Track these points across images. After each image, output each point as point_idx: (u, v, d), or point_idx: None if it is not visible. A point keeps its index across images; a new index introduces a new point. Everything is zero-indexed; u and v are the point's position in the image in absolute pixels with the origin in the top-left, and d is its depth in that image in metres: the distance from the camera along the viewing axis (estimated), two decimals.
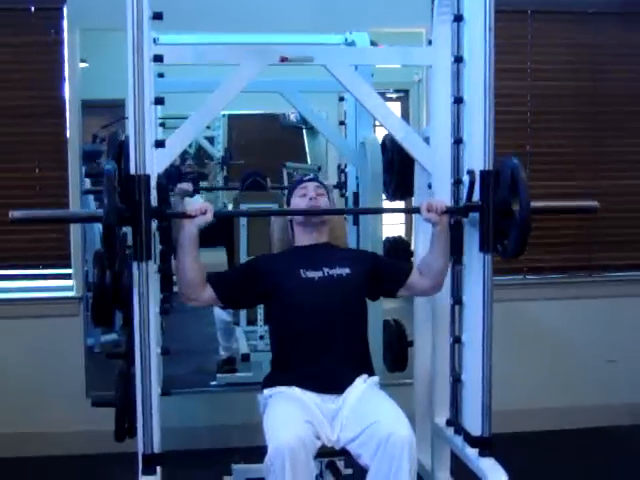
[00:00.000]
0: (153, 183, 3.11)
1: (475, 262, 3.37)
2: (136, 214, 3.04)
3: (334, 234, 3.90)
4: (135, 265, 3.09)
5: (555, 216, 5.19)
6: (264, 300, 3.71)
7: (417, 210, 3.48)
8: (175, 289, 4.56)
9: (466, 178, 3.37)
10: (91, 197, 5.17)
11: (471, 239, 3.41)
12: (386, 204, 4.70)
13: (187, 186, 5.23)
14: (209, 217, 3.31)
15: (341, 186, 5.05)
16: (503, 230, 3.26)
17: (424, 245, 3.63)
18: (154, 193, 3.13)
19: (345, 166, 5.05)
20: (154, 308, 3.24)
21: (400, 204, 4.83)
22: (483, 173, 3.27)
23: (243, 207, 5.28)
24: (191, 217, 3.30)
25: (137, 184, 3.04)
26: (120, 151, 3.34)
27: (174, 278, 4.54)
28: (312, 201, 3.68)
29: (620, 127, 5.40)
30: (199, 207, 3.30)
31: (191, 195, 5.24)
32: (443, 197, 3.56)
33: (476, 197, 3.31)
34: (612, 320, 5.42)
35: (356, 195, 4.82)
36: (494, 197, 3.25)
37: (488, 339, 3.32)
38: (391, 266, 3.80)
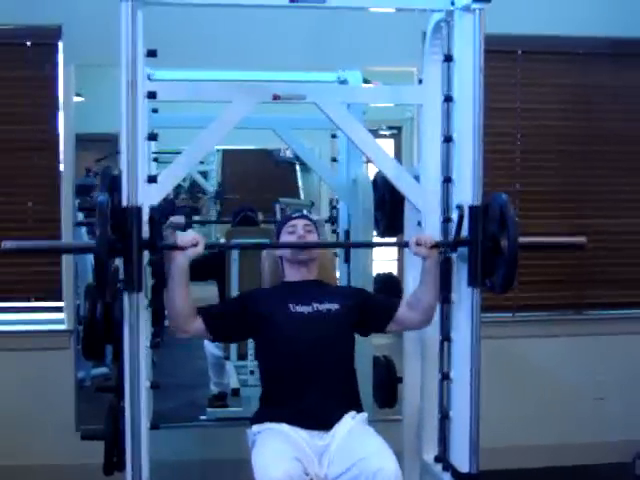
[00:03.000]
0: (145, 217, 3.14)
1: (464, 297, 3.39)
2: (127, 246, 3.06)
3: (323, 271, 3.93)
4: (126, 296, 3.11)
5: (545, 253, 5.25)
6: (253, 333, 3.72)
7: (406, 244, 3.51)
8: (166, 323, 4.58)
9: (455, 213, 3.40)
10: (83, 230, 5.19)
11: (460, 274, 3.44)
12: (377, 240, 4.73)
13: (179, 219, 5.25)
14: (200, 249, 3.32)
15: (333, 220, 5.07)
16: (491, 265, 3.28)
17: (414, 281, 3.65)
18: (146, 227, 3.15)
19: (337, 202, 5.07)
20: (144, 342, 3.25)
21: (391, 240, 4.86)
22: (472, 208, 3.30)
23: (234, 243, 5.30)
24: (182, 249, 3.31)
25: (129, 216, 3.06)
26: (113, 185, 3.37)
27: (165, 312, 4.57)
28: (301, 239, 3.72)
29: (609, 166, 5.44)
30: (190, 239, 3.30)
31: (183, 229, 5.26)
32: (433, 234, 3.60)
33: (465, 232, 3.34)
34: (601, 358, 5.44)
35: (347, 233, 4.84)
36: (483, 232, 3.28)
37: (476, 376, 3.34)
38: (379, 301, 3.82)
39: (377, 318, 3.73)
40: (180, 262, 3.34)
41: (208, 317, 3.56)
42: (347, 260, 4.80)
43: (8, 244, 3.11)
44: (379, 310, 3.74)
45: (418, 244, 3.42)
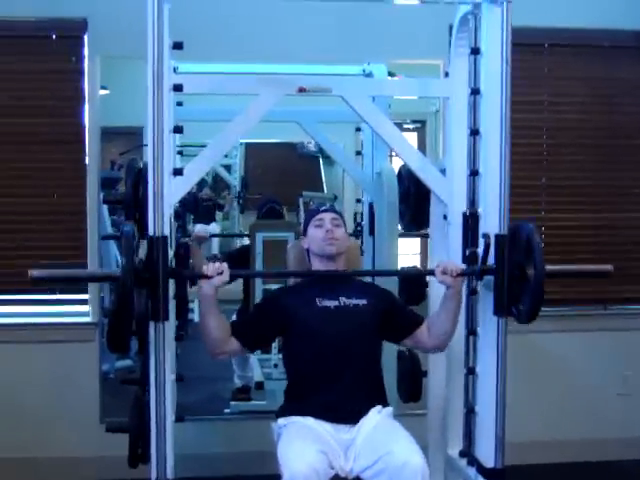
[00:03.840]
0: (170, 210, 3.15)
1: (489, 325, 3.40)
2: (154, 276, 3.08)
3: (350, 264, 3.92)
4: (152, 326, 3.13)
5: (570, 248, 5.23)
6: (282, 330, 3.71)
7: (432, 272, 3.50)
8: (190, 316, 4.59)
9: (482, 242, 3.41)
10: (108, 223, 5.21)
11: (485, 302, 3.44)
12: (401, 241, 4.73)
13: (203, 232, 5.28)
14: (225, 277, 3.33)
15: (357, 235, 5.06)
16: (517, 293, 3.29)
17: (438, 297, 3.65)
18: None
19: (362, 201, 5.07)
20: (169, 335, 3.25)
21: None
22: (498, 237, 3.30)
23: (259, 235, 5.30)
24: (208, 277, 3.32)
25: (155, 246, 3.08)
26: (138, 179, 3.38)
27: (190, 305, 4.58)
28: (329, 233, 3.69)
29: (636, 160, 5.40)
30: (216, 268, 3.32)
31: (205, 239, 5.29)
32: (456, 231, 3.59)
33: (491, 260, 3.33)
34: (626, 353, 5.40)
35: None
36: (509, 261, 3.28)
37: (502, 371, 3.34)
38: (404, 314, 3.78)
39: (397, 329, 3.73)
40: (207, 291, 3.36)
41: (241, 336, 3.58)
42: (372, 255, 4.79)
43: (36, 273, 3.13)
44: (401, 322, 3.73)
45: (444, 272, 3.41)
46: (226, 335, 3.52)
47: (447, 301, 3.50)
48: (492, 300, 3.34)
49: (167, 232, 3.14)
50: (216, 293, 3.38)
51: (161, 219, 3.09)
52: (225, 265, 3.34)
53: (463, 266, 3.50)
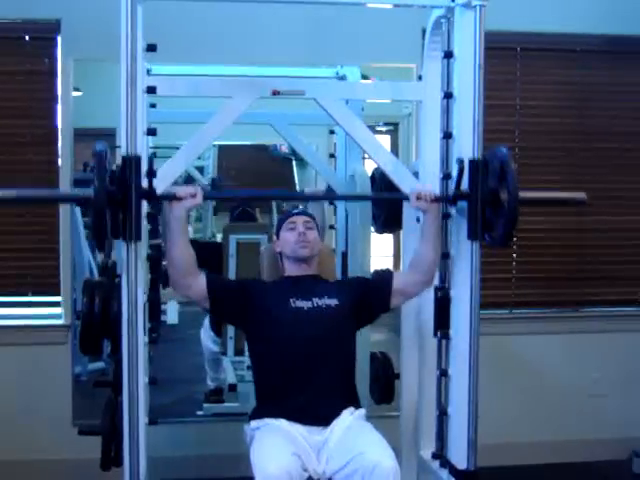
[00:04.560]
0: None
1: (463, 252, 3.40)
2: (126, 195, 3.06)
3: (323, 268, 3.93)
4: (124, 248, 3.10)
5: (542, 250, 5.26)
6: (250, 325, 3.69)
7: (406, 198, 3.51)
8: (163, 317, 4.57)
9: (455, 168, 3.41)
10: (81, 225, 5.18)
11: (459, 229, 3.45)
12: (375, 237, 4.73)
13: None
14: (199, 200, 3.33)
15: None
16: (491, 221, 3.29)
17: (410, 253, 3.66)
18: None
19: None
20: (142, 337, 3.24)
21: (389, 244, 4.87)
22: (472, 162, 3.31)
23: (232, 237, 5.29)
24: (180, 199, 3.31)
25: (128, 165, 3.06)
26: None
27: (162, 306, 4.56)
28: (301, 236, 3.72)
29: (608, 164, 5.43)
30: (189, 190, 3.31)
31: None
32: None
33: (465, 186, 3.34)
34: (598, 355, 5.44)
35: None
36: (483, 186, 3.29)
37: (474, 373, 3.35)
38: (374, 282, 3.82)
39: (377, 298, 3.71)
40: (178, 213, 3.34)
41: (213, 282, 3.57)
42: (344, 260, 4.80)
43: (7, 193, 3.08)
44: (376, 290, 3.73)
45: (418, 198, 3.43)
46: (191, 265, 3.48)
47: (426, 228, 3.50)
48: (466, 226, 3.35)
49: None
50: (187, 216, 3.39)
51: (134, 138, 3.07)
52: (199, 188, 3.34)
53: (437, 191, 3.52)
